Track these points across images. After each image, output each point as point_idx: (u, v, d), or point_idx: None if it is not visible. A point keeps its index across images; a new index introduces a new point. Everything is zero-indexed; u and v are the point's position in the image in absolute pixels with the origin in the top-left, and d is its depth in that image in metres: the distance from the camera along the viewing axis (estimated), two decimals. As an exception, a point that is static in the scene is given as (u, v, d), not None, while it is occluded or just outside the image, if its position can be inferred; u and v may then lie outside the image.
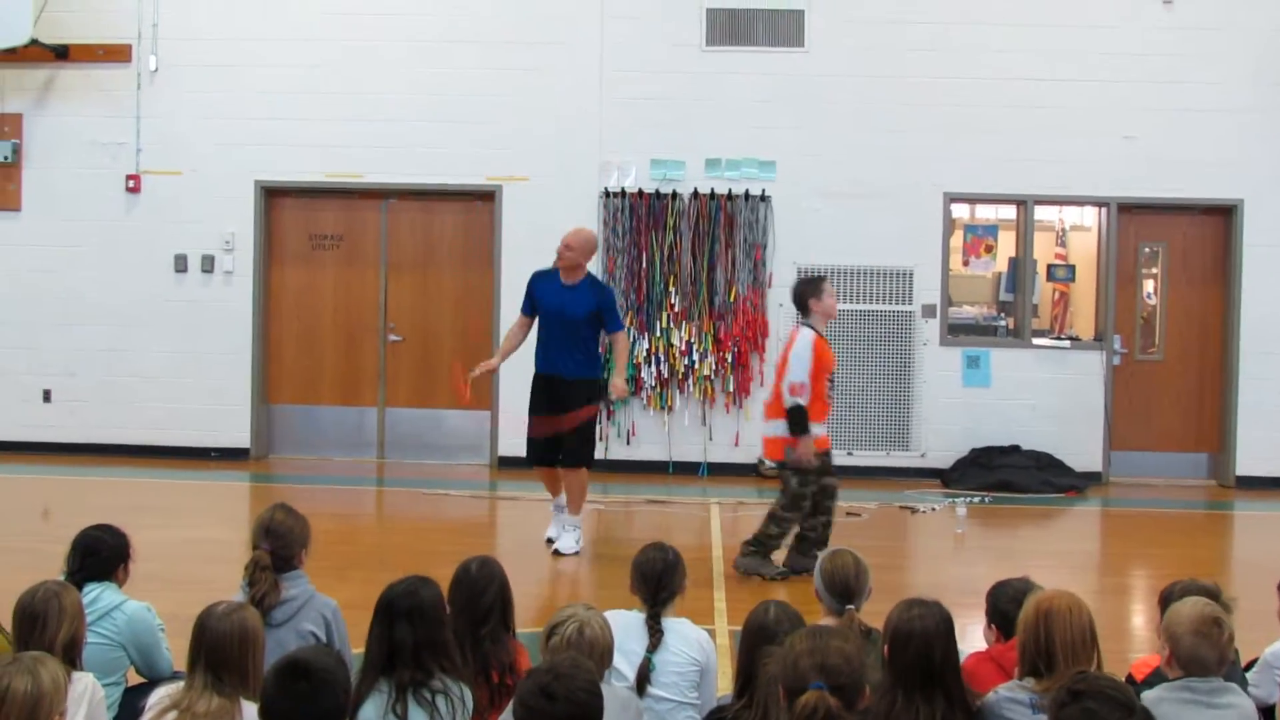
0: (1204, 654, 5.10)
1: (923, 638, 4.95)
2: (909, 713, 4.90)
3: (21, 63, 16.42)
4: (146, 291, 16.52)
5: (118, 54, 16.53)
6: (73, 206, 16.60)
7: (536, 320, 11.82)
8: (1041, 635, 5.04)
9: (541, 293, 11.74)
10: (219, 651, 4.98)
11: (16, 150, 16.57)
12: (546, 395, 11.67)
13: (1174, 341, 16.56)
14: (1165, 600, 5.84)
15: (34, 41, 16.04)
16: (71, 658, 5.32)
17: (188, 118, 16.49)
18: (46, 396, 16.66)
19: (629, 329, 15.71)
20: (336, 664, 4.58)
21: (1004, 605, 5.89)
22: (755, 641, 5.31)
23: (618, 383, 12.01)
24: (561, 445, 11.69)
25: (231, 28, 16.47)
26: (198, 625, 5.06)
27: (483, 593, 5.78)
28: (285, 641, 5.86)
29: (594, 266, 12.44)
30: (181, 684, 5.07)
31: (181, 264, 16.52)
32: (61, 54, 16.43)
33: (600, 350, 12.01)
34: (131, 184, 16.54)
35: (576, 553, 11.72)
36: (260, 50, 16.42)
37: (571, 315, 11.54)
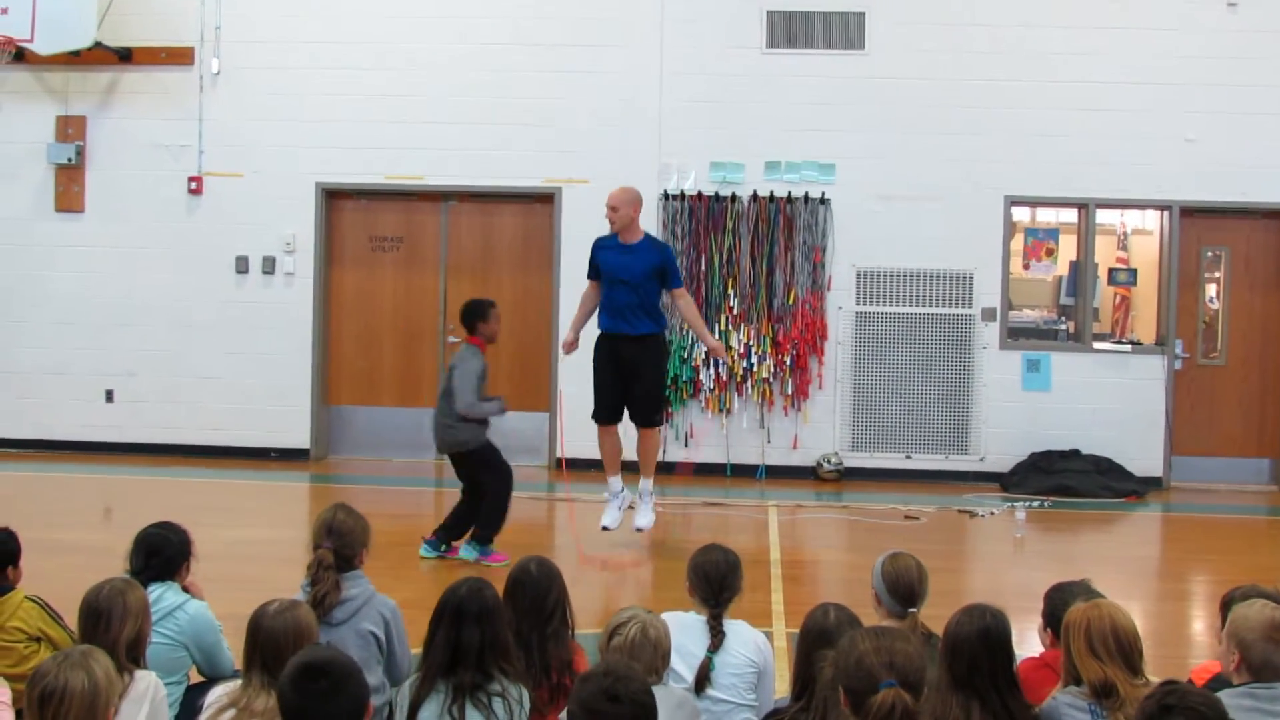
0: (1278, 660, 5.06)
1: (972, 642, 4.94)
2: (961, 715, 4.89)
3: (85, 65, 16.56)
4: (208, 293, 16.62)
5: (180, 57, 16.64)
6: (135, 208, 16.72)
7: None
8: (1070, 650, 5.09)
9: (604, 257, 11.85)
10: (273, 649, 5.00)
11: (80, 152, 16.69)
12: (613, 354, 11.76)
13: (1236, 346, 16.44)
14: (1226, 606, 5.79)
15: (98, 44, 16.17)
16: (135, 655, 5.36)
17: (249, 120, 16.58)
18: (109, 396, 16.78)
19: (689, 334, 15.71)
20: (351, 661, 4.55)
21: (1060, 610, 5.87)
22: (814, 644, 5.30)
23: (713, 343, 12.47)
24: (631, 403, 11.84)
25: (293, 31, 16.55)
26: (251, 624, 5.09)
27: (547, 592, 5.79)
28: (345, 641, 5.90)
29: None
30: (239, 682, 5.10)
31: (243, 265, 16.62)
32: (125, 57, 16.56)
33: (663, 308, 12.09)
34: (194, 186, 16.64)
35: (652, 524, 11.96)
36: (321, 53, 16.50)
37: (634, 274, 11.63)
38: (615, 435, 12.00)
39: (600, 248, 11.95)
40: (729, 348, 15.99)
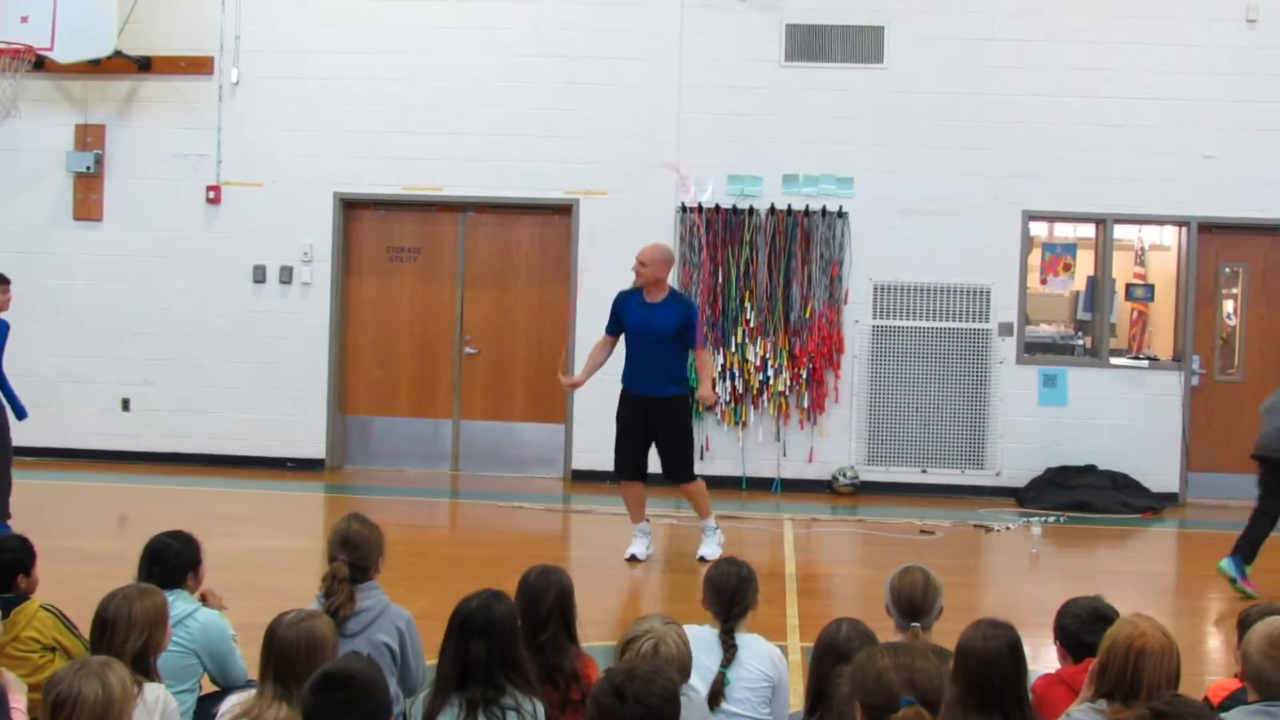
0: (1268, 674, 5.02)
1: (988, 659, 4.90)
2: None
3: (105, 74, 16.61)
4: (225, 302, 16.63)
5: (200, 66, 16.68)
6: (154, 217, 16.75)
7: (623, 339, 11.93)
8: (1129, 672, 4.92)
9: (626, 312, 11.84)
10: (287, 660, 4.99)
11: (99, 161, 16.74)
12: (640, 415, 11.76)
13: (1254, 362, 16.39)
14: (1243, 624, 5.77)
15: (118, 53, 16.23)
16: (144, 667, 5.33)
17: (268, 130, 16.61)
18: (125, 405, 16.80)
19: (705, 342, 15.69)
20: (376, 674, 4.55)
21: (1066, 622, 5.90)
22: (827, 659, 5.29)
23: (705, 391, 12.21)
24: (666, 464, 11.89)
25: (312, 41, 16.58)
26: (268, 634, 5.08)
27: (539, 600, 5.78)
28: (359, 652, 5.88)
29: (671, 281, 12.44)
30: (253, 692, 5.09)
31: (260, 275, 16.64)
32: (144, 66, 16.60)
33: (687, 367, 12.07)
34: (212, 195, 16.68)
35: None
36: (341, 63, 16.52)
37: (658, 333, 11.62)
38: (637, 487, 12.02)
39: (623, 303, 11.94)
40: (745, 360, 16.00)
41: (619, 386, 12.06)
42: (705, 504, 12.15)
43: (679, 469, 11.95)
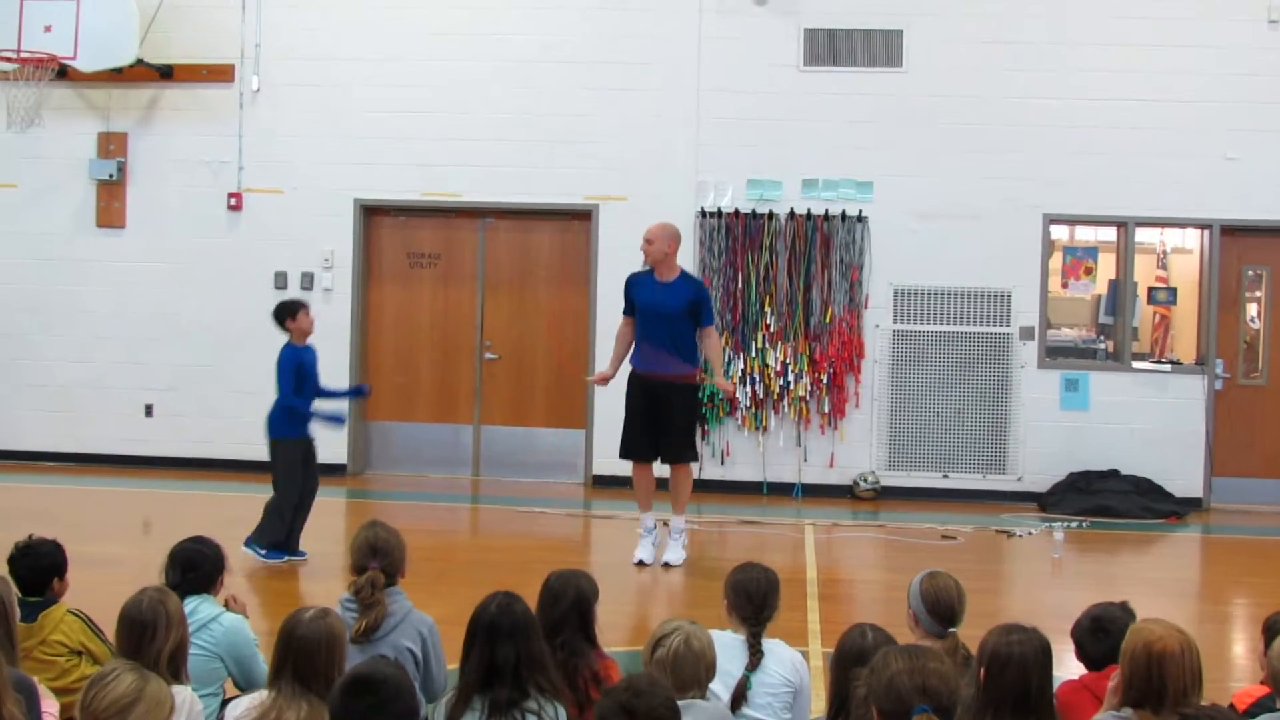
0: None
1: (1022, 664, 4.86)
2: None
3: (127, 82, 16.65)
4: (247, 308, 16.62)
5: (221, 74, 16.72)
6: (176, 224, 16.80)
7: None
8: (1153, 678, 4.89)
9: (638, 292, 11.90)
10: (307, 657, 4.99)
11: (121, 168, 16.79)
12: (646, 394, 11.78)
13: (1277, 366, 16.32)
14: (1269, 630, 5.74)
15: (140, 62, 16.27)
16: (175, 667, 5.33)
17: (289, 137, 16.65)
18: (148, 411, 16.83)
19: (725, 349, 15.69)
20: (403, 677, 4.57)
21: (1074, 633, 5.94)
22: (850, 665, 5.27)
23: (721, 381, 12.24)
24: (664, 442, 11.84)
25: (333, 48, 16.61)
26: (284, 632, 5.06)
27: (555, 603, 5.84)
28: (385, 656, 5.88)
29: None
30: (263, 693, 5.08)
31: (281, 281, 16.67)
32: (166, 74, 16.64)
33: (696, 348, 12.04)
34: (233, 202, 16.72)
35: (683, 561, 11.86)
36: (361, 70, 16.55)
37: (669, 310, 11.66)
38: (648, 471, 12.04)
39: (635, 283, 12.02)
40: (765, 365, 15.99)
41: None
42: (686, 495, 12.14)
43: (681, 447, 11.98)
